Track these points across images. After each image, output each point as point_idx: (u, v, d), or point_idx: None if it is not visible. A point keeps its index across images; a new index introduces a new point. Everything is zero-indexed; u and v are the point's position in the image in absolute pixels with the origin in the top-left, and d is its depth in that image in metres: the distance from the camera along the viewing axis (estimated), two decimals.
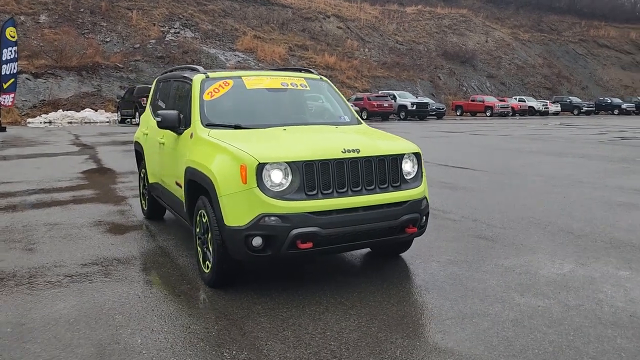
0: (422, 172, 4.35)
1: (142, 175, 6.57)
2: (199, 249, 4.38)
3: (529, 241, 5.51)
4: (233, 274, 4.13)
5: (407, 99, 35.80)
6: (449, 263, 4.78)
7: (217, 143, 4.11)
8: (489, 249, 5.23)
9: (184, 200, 4.65)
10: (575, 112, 47.75)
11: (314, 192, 3.79)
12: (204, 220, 4.18)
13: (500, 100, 42.89)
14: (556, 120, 37.73)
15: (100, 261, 4.87)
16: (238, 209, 3.75)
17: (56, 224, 6.21)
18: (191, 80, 4.97)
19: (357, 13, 54.91)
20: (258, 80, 5.08)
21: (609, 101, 50.42)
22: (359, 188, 3.93)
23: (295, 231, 3.68)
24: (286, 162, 3.76)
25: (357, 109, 33.22)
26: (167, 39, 39.99)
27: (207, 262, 4.17)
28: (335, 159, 3.87)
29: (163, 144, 5.29)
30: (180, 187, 4.72)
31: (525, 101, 45.22)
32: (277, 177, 3.75)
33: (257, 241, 3.73)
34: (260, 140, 4.18)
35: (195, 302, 3.94)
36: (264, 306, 3.84)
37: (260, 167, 3.71)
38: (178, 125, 4.76)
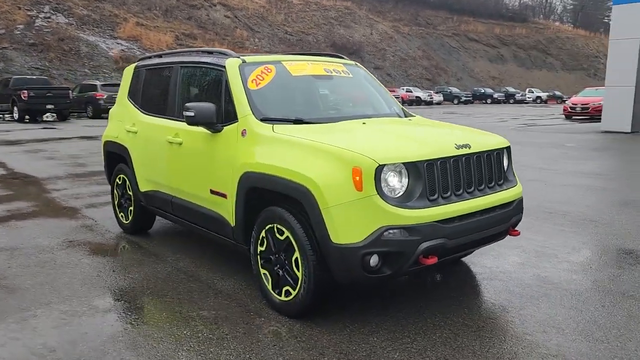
0: (513, 168, 3.95)
1: (119, 182, 5.45)
2: (265, 271, 3.59)
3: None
4: (323, 301, 3.41)
5: None
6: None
7: (304, 142, 3.34)
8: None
9: (232, 213, 3.79)
10: (455, 101, 50.92)
11: (435, 196, 3.20)
12: (281, 237, 3.40)
13: (390, 91, 44.28)
14: (440, 109, 39.81)
15: (121, 296, 3.85)
16: (351, 223, 3.05)
17: (15, 249, 4.92)
18: (223, 66, 4.08)
19: (244, 2, 53.59)
20: (300, 66, 4.32)
21: (483, 91, 54.52)
22: (472, 189, 3.42)
23: (424, 245, 3.08)
24: (402, 163, 3.13)
25: None
26: (37, 24, 35.82)
27: (289, 287, 3.40)
28: (451, 157, 3.31)
29: (180, 144, 4.32)
30: (223, 196, 3.85)
31: (412, 91, 47.26)
32: (393, 181, 3.11)
33: (374, 260, 3.07)
34: (356, 137, 3.48)
35: (293, 341, 3.17)
36: (378, 337, 3.19)
37: (379, 169, 3.04)
38: (216, 120, 3.88)
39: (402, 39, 61.88)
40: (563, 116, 26.27)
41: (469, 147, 3.43)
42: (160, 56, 5.23)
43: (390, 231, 3.02)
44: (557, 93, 57.69)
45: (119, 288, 3.99)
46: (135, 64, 5.45)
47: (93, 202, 6.88)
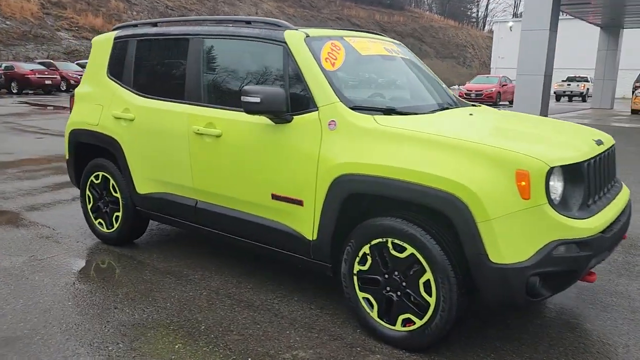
0: None
1: (95, 181, 4.34)
2: (366, 295, 2.94)
3: None
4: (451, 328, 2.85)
5: None
6: None
7: (438, 139, 2.70)
8: None
9: (312, 225, 3.06)
10: None
11: (590, 202, 2.77)
12: (399, 255, 2.77)
13: None
14: None
15: (168, 335, 2.95)
16: (516, 238, 2.51)
17: None
18: (281, 40, 3.27)
19: None
20: (363, 43, 3.64)
21: None
22: (605, 191, 3.05)
23: (594, 261, 2.64)
24: (569, 165, 2.65)
25: None
26: None
27: (410, 315, 2.78)
28: (597, 155, 2.90)
29: (218, 136, 3.43)
30: (296, 203, 3.10)
31: None
32: (558, 187, 2.62)
33: (536, 281, 2.57)
34: (499, 132, 2.91)
35: None
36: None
37: (549, 173, 2.53)
38: (286, 109, 3.09)
39: (288, 20, 60.89)
40: None
41: (602, 143, 3.05)
42: (154, 25, 4.19)
43: (562, 247, 2.53)
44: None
45: (155, 323, 3.07)
46: (114, 34, 4.33)
47: (33, 204, 5.54)
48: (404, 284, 2.80)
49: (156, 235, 4.67)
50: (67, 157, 4.58)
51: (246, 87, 3.06)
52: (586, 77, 33.12)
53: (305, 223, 3.11)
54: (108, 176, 4.24)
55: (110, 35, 4.34)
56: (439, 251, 2.64)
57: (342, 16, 68.84)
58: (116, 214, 4.25)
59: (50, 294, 3.43)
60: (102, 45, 4.37)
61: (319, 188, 3.00)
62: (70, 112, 4.58)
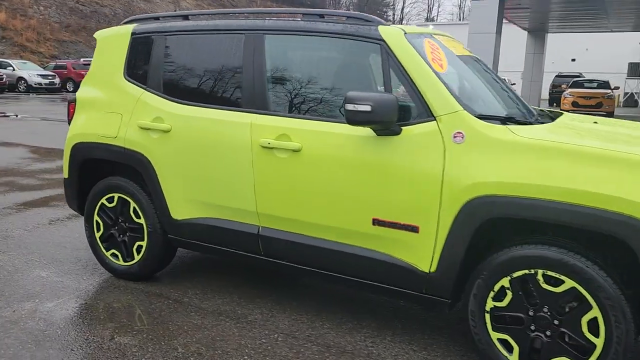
0: None
1: (108, 204, 3.60)
2: (502, 336, 2.53)
3: None
4: None
5: None
6: None
7: (600, 152, 2.32)
8: None
9: (431, 255, 2.60)
10: None
11: None
12: (554, 289, 2.39)
13: None
14: None
15: None
16: None
17: None
18: (376, 38, 2.78)
19: None
20: (450, 41, 3.22)
21: None
22: None
23: None
24: None
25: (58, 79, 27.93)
26: None
27: (564, 358, 2.40)
28: None
29: (296, 151, 2.87)
30: (409, 230, 2.62)
31: None
32: None
33: None
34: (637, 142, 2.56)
35: None
36: None
37: None
38: (397, 119, 2.61)
39: None
40: None
41: None
42: (185, 17, 3.53)
43: None
44: None
45: None
46: (129, 28, 3.61)
47: (1, 231, 4.60)
48: (556, 322, 2.41)
49: (175, 263, 3.98)
50: (66, 176, 3.77)
51: (352, 94, 2.54)
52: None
53: (420, 252, 2.64)
54: (127, 199, 3.51)
55: (125, 30, 3.61)
56: (612, 285, 2.27)
57: None
58: (138, 243, 3.53)
59: (90, 355, 2.70)
60: (114, 41, 3.62)
61: (443, 212, 2.54)
62: (69, 121, 3.78)
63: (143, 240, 3.51)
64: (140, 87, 3.47)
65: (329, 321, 3.14)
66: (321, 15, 3.05)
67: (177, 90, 3.35)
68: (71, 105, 3.77)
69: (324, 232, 2.88)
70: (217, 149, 3.12)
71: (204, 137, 3.16)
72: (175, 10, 55.59)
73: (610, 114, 22.18)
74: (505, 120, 2.71)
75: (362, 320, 3.18)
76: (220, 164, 3.12)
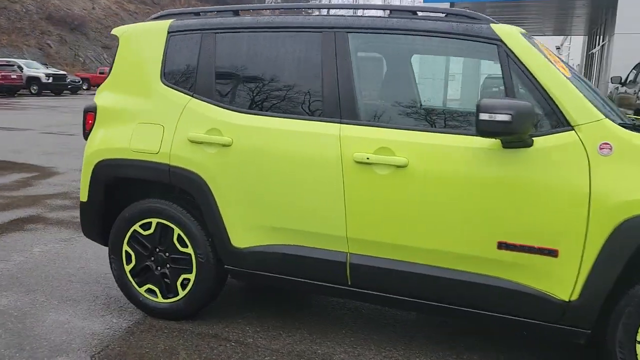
0: None
1: (142, 232, 3.04)
2: None
3: None
4: None
5: (38, 69, 29.34)
6: None
7: None
8: None
9: (573, 282, 2.32)
10: None
11: None
12: None
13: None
14: None
15: None
16: None
17: None
18: (493, 37, 2.47)
19: None
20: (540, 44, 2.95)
21: None
22: None
23: None
24: None
25: None
26: None
27: None
28: None
29: (402, 167, 2.49)
30: (545, 254, 2.34)
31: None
32: None
33: None
34: None
35: None
36: None
37: None
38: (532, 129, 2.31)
39: (128, 17, 56.92)
40: None
41: None
42: (236, 13, 3.03)
43: None
44: None
45: None
46: (164, 24, 3.07)
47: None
48: None
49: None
50: (84, 199, 3.16)
51: (488, 101, 2.21)
52: None
53: (558, 279, 2.35)
54: (170, 225, 2.97)
55: (159, 27, 3.06)
56: None
57: None
58: (184, 276, 3.00)
59: None
60: (145, 40, 3.07)
61: (591, 233, 2.26)
62: (87, 134, 3.17)
63: (191, 272, 2.99)
64: (186, 93, 2.94)
65: (425, 354, 2.79)
66: (414, 12, 2.69)
67: (235, 96, 2.86)
68: (89, 114, 3.17)
69: (434, 258, 2.53)
70: (293, 165, 2.68)
71: (276, 152, 2.71)
72: (93, 8, 52.73)
73: None
74: (634, 128, 2.49)
75: (464, 345, 2.85)
76: (299, 182, 2.68)
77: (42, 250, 4.17)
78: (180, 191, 3.00)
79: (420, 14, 2.69)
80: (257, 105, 2.82)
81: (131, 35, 3.13)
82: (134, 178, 3.02)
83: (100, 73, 39.57)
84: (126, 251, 3.10)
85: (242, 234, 2.84)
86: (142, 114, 3.00)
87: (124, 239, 3.09)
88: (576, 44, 35.86)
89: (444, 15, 2.64)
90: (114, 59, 3.21)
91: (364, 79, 2.67)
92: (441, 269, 2.52)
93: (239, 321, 3.12)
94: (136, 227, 3.06)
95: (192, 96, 2.93)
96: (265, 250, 2.81)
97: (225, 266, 2.94)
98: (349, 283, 2.70)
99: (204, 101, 2.90)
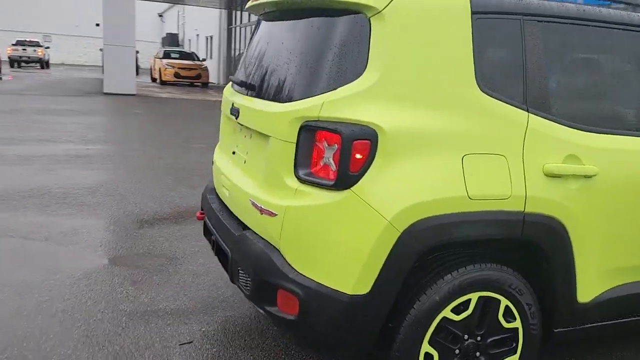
0: None
1: (469, 314, 2.08)
2: None
3: None
4: None
5: None
6: None
7: None
8: None
9: None
10: None
11: None
12: None
13: None
14: None
15: None
16: None
17: None
18: None
19: None
20: None
21: None
22: None
23: None
24: None
25: None
26: None
27: None
28: None
29: None
30: None
31: None
32: None
33: None
34: None
35: None
36: None
37: None
38: None
39: None
40: None
41: None
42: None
43: None
44: None
45: None
46: (462, 2, 2.00)
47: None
48: None
49: None
50: (366, 291, 1.88)
51: None
52: (38, 42, 31.01)
53: None
54: (497, 297, 2.09)
55: (454, 2, 1.96)
56: None
57: None
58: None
59: None
60: (435, 20, 1.95)
61: None
62: (355, 177, 1.85)
63: (514, 353, 2.18)
64: (518, 106, 2.05)
65: None
66: None
67: (586, 111, 2.16)
68: (358, 145, 1.83)
69: None
70: None
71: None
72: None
73: (205, 85, 23.05)
74: None
75: None
76: None
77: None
78: (522, 247, 2.10)
79: None
80: (618, 122, 2.20)
81: (409, 11, 1.92)
82: (468, 241, 1.95)
83: None
84: (427, 353, 2.01)
85: (591, 283, 2.24)
86: (466, 140, 1.95)
87: (424, 336, 1.99)
88: None
89: None
90: (367, 48, 1.90)
91: None
92: None
93: None
94: (445, 312, 2.00)
95: (528, 110, 2.06)
96: (610, 296, 2.29)
97: (555, 330, 2.25)
98: None
99: (544, 117, 2.09)
